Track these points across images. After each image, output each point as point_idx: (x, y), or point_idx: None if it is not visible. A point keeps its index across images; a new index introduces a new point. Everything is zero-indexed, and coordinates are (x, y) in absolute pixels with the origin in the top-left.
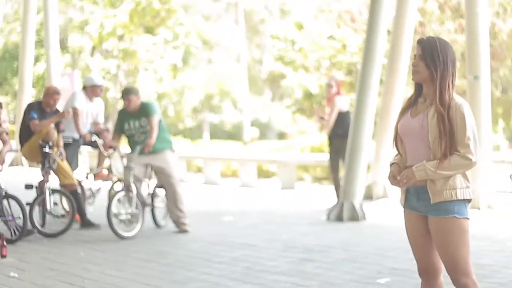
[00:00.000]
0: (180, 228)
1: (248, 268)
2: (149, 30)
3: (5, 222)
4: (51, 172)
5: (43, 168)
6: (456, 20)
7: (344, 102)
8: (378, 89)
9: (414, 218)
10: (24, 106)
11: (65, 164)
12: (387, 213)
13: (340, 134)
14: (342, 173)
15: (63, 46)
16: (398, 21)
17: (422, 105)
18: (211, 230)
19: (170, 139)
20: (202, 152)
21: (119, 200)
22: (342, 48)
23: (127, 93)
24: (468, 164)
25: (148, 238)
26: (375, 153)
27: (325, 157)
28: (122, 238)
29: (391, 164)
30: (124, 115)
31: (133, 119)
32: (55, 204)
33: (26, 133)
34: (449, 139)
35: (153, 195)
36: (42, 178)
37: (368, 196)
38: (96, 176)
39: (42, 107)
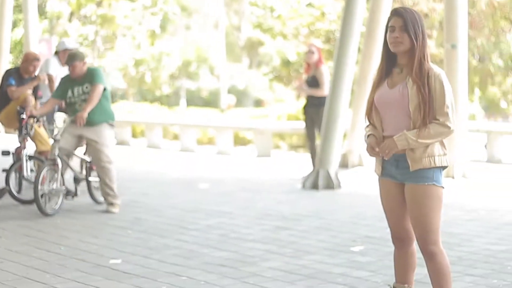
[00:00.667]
0: (107, 208)
1: (223, 235)
2: None
3: None
4: (28, 138)
5: (20, 135)
6: None
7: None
8: (356, 57)
9: (391, 186)
10: (1, 72)
11: (42, 131)
12: (362, 182)
13: (316, 104)
14: (318, 141)
15: (41, 11)
16: None
17: (398, 76)
18: (187, 197)
19: (112, 112)
20: (178, 119)
21: (44, 174)
22: (320, 16)
23: (71, 58)
24: (447, 131)
25: (124, 205)
26: (351, 122)
27: (301, 125)
28: (46, 214)
29: (368, 136)
30: (67, 82)
31: (77, 86)
32: (31, 170)
33: (3, 100)
34: (428, 108)
35: (89, 169)
36: (19, 145)
37: (344, 165)
38: None
39: (20, 74)
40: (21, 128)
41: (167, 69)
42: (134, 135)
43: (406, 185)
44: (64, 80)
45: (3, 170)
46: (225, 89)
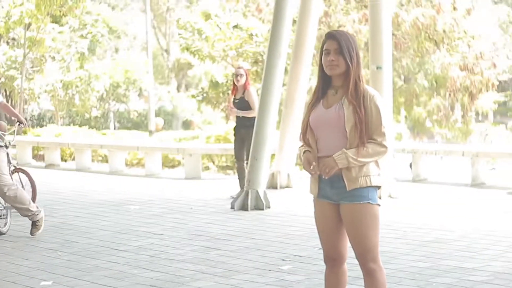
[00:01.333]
0: (32, 230)
1: (153, 256)
2: (56, 19)
3: None
4: None
5: None
6: (360, 11)
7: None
8: (283, 78)
9: (326, 207)
10: None
11: None
12: (290, 202)
13: (247, 125)
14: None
15: None
16: (303, 11)
17: (334, 97)
18: (117, 219)
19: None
20: (107, 141)
21: None
22: (248, 38)
23: None
24: (384, 151)
25: (54, 228)
26: (279, 143)
27: (230, 146)
28: None
29: (304, 152)
30: None
31: None
32: None
33: None
34: (365, 128)
35: None
36: None
37: (272, 185)
38: None
39: None
40: None
41: (96, 91)
42: (63, 158)
43: (342, 205)
44: None
45: None
46: (153, 111)
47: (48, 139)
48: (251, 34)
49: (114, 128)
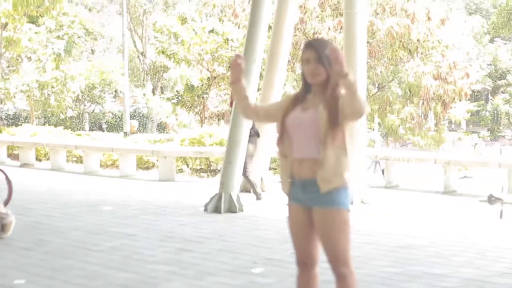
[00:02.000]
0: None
1: (126, 257)
2: (33, 20)
3: None
4: None
5: None
6: (336, 18)
7: None
8: (258, 84)
9: (298, 211)
10: None
11: None
12: (263, 205)
13: (251, 134)
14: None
15: None
16: (279, 17)
17: (312, 101)
18: (91, 220)
19: None
20: (82, 142)
21: None
22: (224, 43)
23: None
24: (365, 109)
25: (28, 227)
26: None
27: (204, 149)
28: None
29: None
30: None
31: None
32: None
33: None
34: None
35: None
36: None
37: (246, 189)
38: None
39: None
40: None
41: (71, 92)
42: (38, 158)
43: (314, 209)
44: None
45: None
46: (128, 113)
47: (23, 138)
48: (227, 39)
49: (89, 129)
